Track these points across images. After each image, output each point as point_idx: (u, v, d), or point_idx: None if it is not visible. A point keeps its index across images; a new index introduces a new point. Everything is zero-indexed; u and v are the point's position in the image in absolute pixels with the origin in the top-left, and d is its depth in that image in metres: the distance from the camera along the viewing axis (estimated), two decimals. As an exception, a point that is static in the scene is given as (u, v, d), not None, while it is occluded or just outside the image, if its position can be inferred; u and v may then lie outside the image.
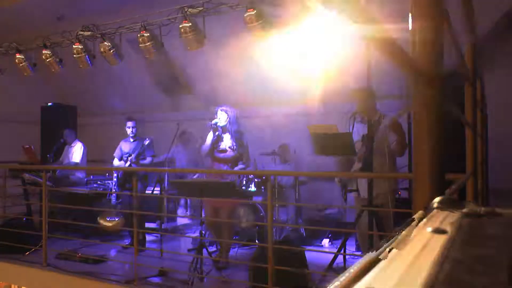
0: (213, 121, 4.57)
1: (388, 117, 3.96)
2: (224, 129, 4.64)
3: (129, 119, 5.79)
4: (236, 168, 4.65)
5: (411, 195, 4.13)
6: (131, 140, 5.79)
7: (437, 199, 0.81)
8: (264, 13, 4.90)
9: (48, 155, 6.41)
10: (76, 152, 6.71)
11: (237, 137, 4.64)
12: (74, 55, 6.24)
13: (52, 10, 6.75)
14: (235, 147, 4.60)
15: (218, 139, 4.64)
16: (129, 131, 5.75)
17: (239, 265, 4.53)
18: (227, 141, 4.64)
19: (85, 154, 6.78)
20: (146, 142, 5.58)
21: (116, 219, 5.76)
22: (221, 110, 4.62)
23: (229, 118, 4.61)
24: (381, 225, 3.49)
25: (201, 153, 4.66)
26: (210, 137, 4.63)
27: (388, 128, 3.72)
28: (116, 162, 5.82)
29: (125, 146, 5.82)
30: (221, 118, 4.60)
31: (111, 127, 7.35)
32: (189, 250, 5.26)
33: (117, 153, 5.88)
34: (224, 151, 4.64)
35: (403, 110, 3.70)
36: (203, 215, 4.70)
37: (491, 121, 4.44)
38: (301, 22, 5.03)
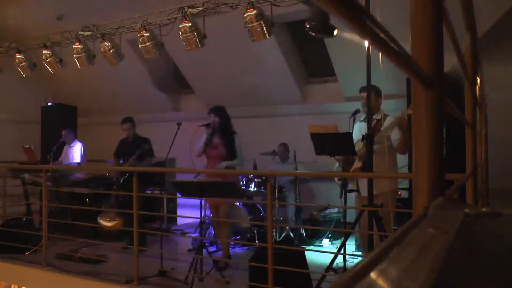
0: (206, 123, 4.74)
1: (390, 117, 3.95)
2: (215, 129, 4.78)
3: (124, 122, 5.76)
4: (224, 164, 4.71)
5: (411, 195, 4.14)
6: (129, 140, 5.78)
7: (437, 199, 0.81)
8: (264, 13, 4.90)
9: (48, 155, 6.41)
10: (76, 153, 6.71)
11: (228, 135, 4.78)
12: (74, 55, 6.24)
13: (52, 10, 6.75)
14: (226, 144, 4.74)
15: (210, 138, 4.79)
16: (125, 133, 5.76)
17: (239, 265, 4.53)
18: (218, 139, 4.78)
19: (85, 153, 6.78)
20: (145, 147, 5.58)
21: (116, 219, 5.76)
22: (213, 112, 4.79)
23: (222, 119, 4.76)
24: (381, 225, 3.49)
25: (194, 152, 4.76)
26: (203, 137, 4.80)
27: (394, 124, 3.72)
28: (114, 162, 5.81)
29: (124, 146, 5.82)
30: (213, 120, 4.75)
31: (111, 127, 7.35)
32: (189, 250, 5.26)
33: (115, 153, 5.88)
34: (216, 147, 4.78)
35: (405, 112, 3.70)
36: (206, 214, 4.75)
37: (491, 121, 4.44)
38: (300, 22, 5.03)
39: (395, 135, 3.86)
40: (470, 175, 1.75)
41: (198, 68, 7.37)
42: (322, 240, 5.70)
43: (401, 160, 4.31)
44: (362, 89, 4.05)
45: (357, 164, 4.04)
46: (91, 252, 5.15)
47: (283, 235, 5.72)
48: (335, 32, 4.65)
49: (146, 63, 7.66)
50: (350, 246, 5.24)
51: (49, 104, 8.58)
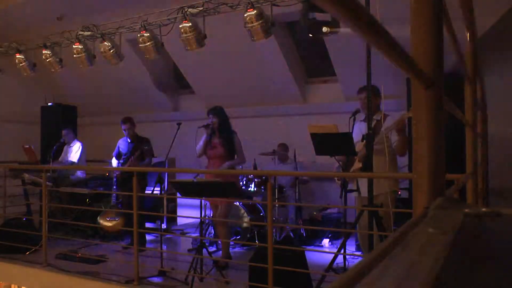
0: (205, 124, 4.82)
1: (390, 118, 3.95)
2: (215, 129, 4.84)
3: (123, 122, 5.75)
4: (226, 164, 4.75)
5: (411, 195, 4.14)
6: (129, 140, 5.79)
7: (437, 199, 0.81)
8: (264, 13, 4.90)
9: (48, 155, 6.41)
10: (74, 152, 6.71)
11: (226, 135, 4.84)
12: (74, 55, 6.24)
13: (52, 10, 6.75)
14: (223, 143, 4.80)
15: (210, 138, 4.87)
16: (125, 133, 5.76)
17: (239, 265, 4.53)
18: (217, 139, 4.85)
19: (84, 153, 6.78)
20: (145, 147, 5.58)
21: (116, 219, 5.76)
22: (211, 113, 4.87)
23: (220, 120, 4.82)
24: (381, 225, 3.49)
25: (196, 153, 4.85)
26: (203, 138, 4.88)
27: (393, 126, 3.72)
28: (114, 162, 5.82)
29: (123, 146, 5.82)
30: (213, 121, 4.82)
31: (111, 127, 7.35)
32: (189, 250, 5.27)
33: (115, 152, 5.89)
34: (216, 147, 4.83)
35: (405, 114, 3.70)
36: (207, 214, 4.78)
37: (491, 121, 4.44)
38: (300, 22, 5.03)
39: (394, 136, 3.86)
40: (470, 175, 1.75)
41: (198, 68, 7.37)
42: (322, 240, 5.70)
43: (402, 160, 4.31)
44: (360, 90, 4.05)
45: (357, 164, 4.04)
46: (91, 252, 5.15)
47: (283, 235, 5.72)
48: (324, 29, 4.58)
49: (146, 63, 7.66)
50: (350, 246, 5.24)
51: (49, 104, 8.57)
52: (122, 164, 5.64)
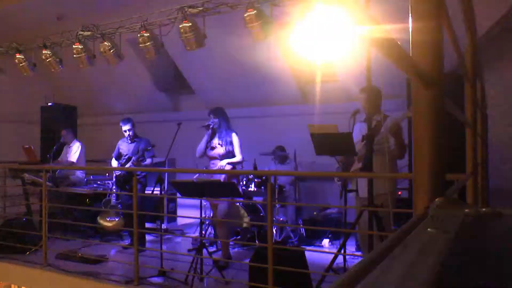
0: (206, 124, 4.86)
1: (390, 118, 3.95)
2: (215, 129, 4.89)
3: (124, 123, 5.73)
4: (225, 161, 4.79)
5: (411, 195, 4.13)
6: (129, 141, 5.78)
7: (437, 200, 0.81)
8: (263, 13, 4.90)
9: (48, 155, 6.41)
10: (73, 152, 6.71)
11: (225, 134, 4.87)
12: (74, 55, 6.24)
13: (52, 10, 6.75)
14: (223, 143, 4.84)
15: (210, 139, 4.91)
16: (125, 134, 5.75)
17: (239, 265, 4.53)
18: (216, 139, 4.89)
19: (83, 153, 6.78)
20: (142, 147, 5.57)
21: (116, 219, 5.76)
22: (212, 113, 4.91)
23: (220, 120, 4.86)
24: (381, 225, 3.49)
25: (196, 153, 4.89)
26: (204, 138, 4.92)
27: (388, 131, 3.71)
28: (114, 163, 5.81)
29: (123, 147, 5.81)
30: (213, 121, 4.86)
31: (111, 127, 7.35)
32: (189, 250, 5.26)
33: (115, 153, 5.88)
34: (216, 148, 4.89)
35: (405, 113, 3.69)
36: (207, 214, 4.78)
37: (491, 121, 4.44)
38: (300, 22, 5.03)
39: (392, 140, 3.86)
40: (470, 175, 1.75)
41: (198, 68, 7.37)
42: (322, 240, 5.70)
43: (402, 160, 4.30)
44: (362, 90, 4.05)
45: (357, 164, 4.03)
46: (91, 252, 5.15)
47: (283, 235, 5.72)
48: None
49: (146, 63, 7.66)
50: (350, 246, 5.24)
51: (49, 104, 8.57)
52: (123, 165, 5.64)
